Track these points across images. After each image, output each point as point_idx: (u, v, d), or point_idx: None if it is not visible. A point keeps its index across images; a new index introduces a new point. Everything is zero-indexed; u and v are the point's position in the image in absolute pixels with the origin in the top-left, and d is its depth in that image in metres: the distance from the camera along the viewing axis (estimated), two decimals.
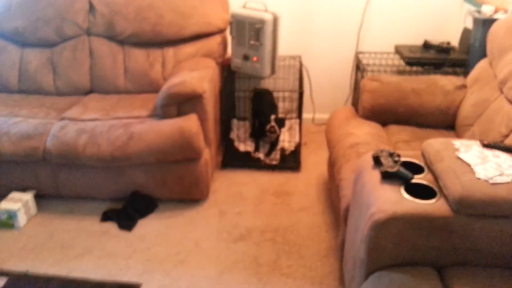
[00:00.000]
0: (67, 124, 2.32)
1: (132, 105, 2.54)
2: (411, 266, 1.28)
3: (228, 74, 2.90)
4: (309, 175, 2.66)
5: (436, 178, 1.35)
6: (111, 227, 2.23)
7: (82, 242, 2.13)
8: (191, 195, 2.36)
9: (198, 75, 2.35)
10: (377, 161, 1.45)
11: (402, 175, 1.34)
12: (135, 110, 2.45)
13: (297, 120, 3.03)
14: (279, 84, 3.15)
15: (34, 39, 2.76)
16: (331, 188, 2.31)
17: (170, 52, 2.73)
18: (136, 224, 2.24)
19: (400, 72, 3.01)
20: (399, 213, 1.22)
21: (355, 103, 3.19)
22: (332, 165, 2.14)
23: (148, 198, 2.34)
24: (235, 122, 3.14)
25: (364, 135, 2.04)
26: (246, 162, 2.77)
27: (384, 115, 2.20)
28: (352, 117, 2.28)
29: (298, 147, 2.84)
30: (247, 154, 2.87)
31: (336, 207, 2.13)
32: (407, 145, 1.98)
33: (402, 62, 2.86)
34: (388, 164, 1.38)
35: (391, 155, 1.43)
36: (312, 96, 3.23)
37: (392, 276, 1.25)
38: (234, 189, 2.53)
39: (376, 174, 1.41)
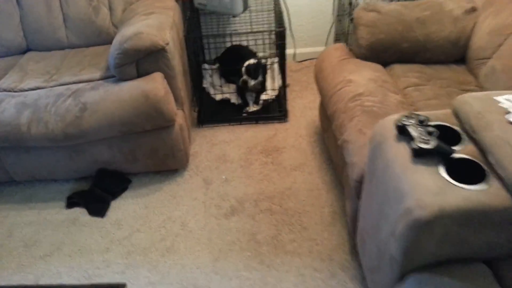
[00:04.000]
0: (3, 98, 1.88)
1: (81, 64, 2.09)
2: (456, 263, 1.05)
3: (192, 13, 2.43)
4: (298, 124, 2.36)
5: (481, 150, 1.07)
6: (80, 213, 1.92)
7: (48, 237, 1.82)
8: (168, 166, 2.03)
9: (156, 21, 1.90)
10: (402, 131, 1.15)
11: (441, 151, 1.06)
12: (85, 71, 2.01)
13: (278, 59, 2.65)
14: (252, 18, 2.70)
15: None
16: (327, 141, 2.04)
17: None
18: (109, 207, 1.93)
19: None
20: (447, 209, 0.95)
21: (338, 33, 2.81)
22: (329, 117, 1.83)
23: (118, 174, 2.01)
24: (206, 67, 2.73)
25: (366, 82, 1.72)
26: (225, 115, 2.43)
27: (386, 53, 1.86)
28: (346, 58, 1.93)
29: (282, 92, 2.50)
30: (224, 103, 2.52)
31: (337, 165, 1.87)
32: (419, 91, 1.68)
33: None
34: (419, 136, 1.09)
35: (420, 122, 1.13)
36: (291, 29, 2.81)
37: (436, 280, 1.02)
38: (216, 150, 2.22)
39: (402, 148, 1.12)
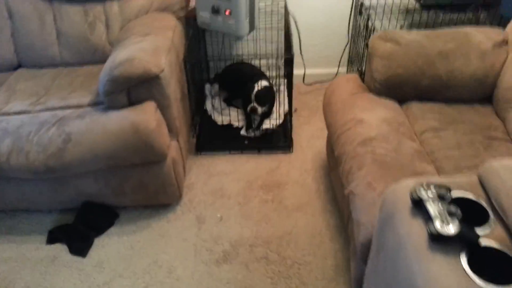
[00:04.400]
0: None
1: (71, 85, 1.94)
2: None
3: (195, 31, 2.27)
4: (303, 156, 2.18)
5: None
6: (61, 251, 1.77)
7: (24, 277, 1.67)
8: (158, 201, 1.87)
9: (151, 45, 1.74)
10: (418, 204, 0.97)
11: (464, 238, 0.87)
12: (74, 94, 1.86)
13: (284, 80, 2.48)
14: (260, 36, 2.53)
15: None
16: (333, 180, 1.85)
17: (114, 7, 2.07)
18: (92, 245, 1.77)
19: (409, 12, 2.41)
20: None
21: (352, 55, 2.62)
22: (335, 158, 1.65)
23: (105, 208, 1.86)
24: (208, 87, 2.56)
25: (379, 124, 1.53)
26: (226, 142, 2.25)
27: (403, 89, 1.67)
28: (358, 91, 1.75)
29: (288, 118, 2.32)
30: (226, 128, 2.35)
31: (343, 211, 1.69)
32: (439, 137, 1.48)
33: (414, 3, 2.27)
34: (439, 216, 0.90)
35: (441, 197, 0.94)
36: (301, 49, 2.63)
37: None
38: (213, 183, 2.05)
39: (418, 226, 0.94)
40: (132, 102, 1.70)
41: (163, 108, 1.74)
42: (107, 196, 1.81)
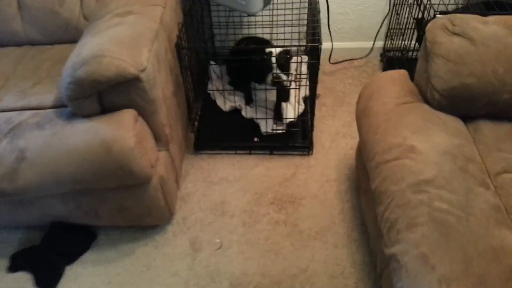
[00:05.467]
0: None
1: (37, 72, 1.54)
2: None
3: (196, 0, 1.79)
4: (325, 161, 1.78)
5: None
6: (24, 282, 1.44)
7: None
8: (143, 223, 1.52)
9: (130, 32, 1.30)
10: None
11: None
12: (37, 88, 1.47)
13: (305, 57, 2.02)
14: (278, 4, 2.03)
15: None
16: (363, 202, 1.47)
17: None
18: (62, 276, 1.45)
19: None
20: None
21: (393, 28, 2.11)
22: (372, 191, 1.24)
23: (79, 228, 1.51)
24: (213, 68, 2.11)
25: (439, 158, 1.10)
26: (231, 140, 1.83)
27: (472, 105, 1.22)
28: (408, 100, 1.30)
29: (309, 109, 1.88)
30: (233, 118, 1.93)
31: (374, 249, 1.32)
32: None
33: None
34: None
35: None
36: (329, 18, 2.12)
37: None
38: (213, 193, 1.68)
39: None
40: (105, 108, 1.29)
41: (147, 114, 1.33)
42: (78, 218, 1.46)
